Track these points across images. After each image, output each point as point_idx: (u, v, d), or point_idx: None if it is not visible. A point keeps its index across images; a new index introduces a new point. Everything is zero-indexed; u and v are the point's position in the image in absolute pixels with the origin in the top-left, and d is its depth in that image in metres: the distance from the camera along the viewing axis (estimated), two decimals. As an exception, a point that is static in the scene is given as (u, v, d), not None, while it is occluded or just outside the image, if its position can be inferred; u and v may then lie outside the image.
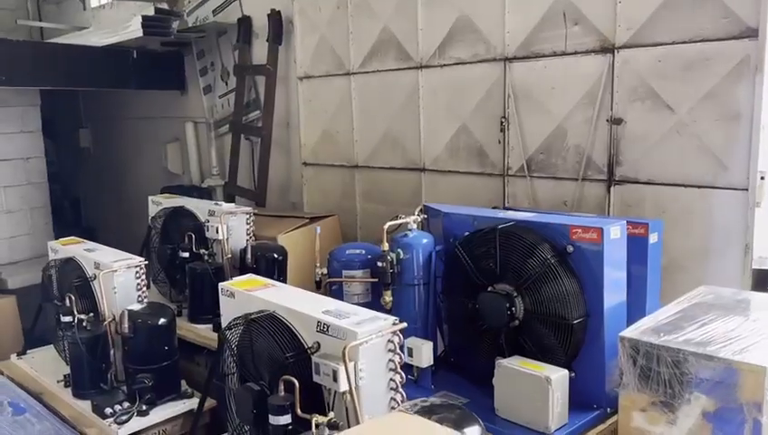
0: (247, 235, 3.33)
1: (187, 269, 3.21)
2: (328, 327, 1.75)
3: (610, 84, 2.73)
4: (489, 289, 2.04)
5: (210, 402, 2.71)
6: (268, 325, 1.88)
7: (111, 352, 2.75)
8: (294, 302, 1.96)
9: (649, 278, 2.31)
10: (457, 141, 3.33)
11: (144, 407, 2.55)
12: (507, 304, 1.97)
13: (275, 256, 3.10)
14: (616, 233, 1.93)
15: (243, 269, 3.16)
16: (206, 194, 5.09)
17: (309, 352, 1.78)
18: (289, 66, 4.32)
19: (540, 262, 1.94)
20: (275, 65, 4.27)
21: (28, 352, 3.23)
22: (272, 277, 2.91)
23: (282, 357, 1.81)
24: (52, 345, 3.29)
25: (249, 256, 3.04)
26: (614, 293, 1.96)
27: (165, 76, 5.30)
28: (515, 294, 2.00)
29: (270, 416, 1.70)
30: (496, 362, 1.92)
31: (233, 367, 2.09)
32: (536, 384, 1.80)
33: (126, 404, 2.57)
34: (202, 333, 3.08)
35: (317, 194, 4.22)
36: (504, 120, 3.07)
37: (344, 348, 1.61)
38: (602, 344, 1.96)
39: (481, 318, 2.05)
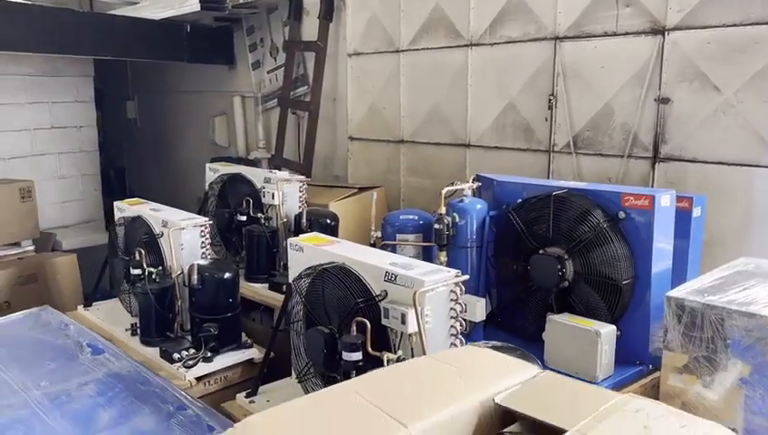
0: (300, 201, 3.50)
1: (244, 232, 3.39)
2: (396, 277, 1.91)
3: (659, 65, 2.83)
4: (541, 252, 2.18)
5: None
6: (339, 275, 2.05)
7: (178, 303, 2.96)
8: (361, 255, 2.13)
9: (691, 251, 2.43)
10: (504, 118, 3.45)
11: (209, 354, 2.75)
12: (558, 266, 2.11)
13: (328, 220, 3.27)
14: (666, 201, 2.06)
15: (297, 232, 3.34)
16: (252, 165, 5.28)
17: (377, 299, 1.95)
18: (338, 43, 4.46)
19: (592, 227, 2.08)
20: (326, 42, 4.42)
21: (94, 304, 3.47)
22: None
23: (352, 303, 1.98)
24: (113, 299, 3.54)
25: (305, 220, 3.22)
26: (661, 258, 2.09)
27: (215, 51, 5.48)
28: (566, 256, 2.14)
29: (343, 353, 1.87)
30: (548, 318, 2.07)
31: (301, 313, 2.28)
32: (586, 337, 1.95)
33: (192, 351, 2.77)
34: (258, 291, 3.27)
35: (362, 167, 4.37)
36: (552, 97, 3.19)
37: (415, 293, 1.77)
38: (648, 307, 2.09)
39: (532, 279, 2.19)
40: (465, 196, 2.43)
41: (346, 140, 4.47)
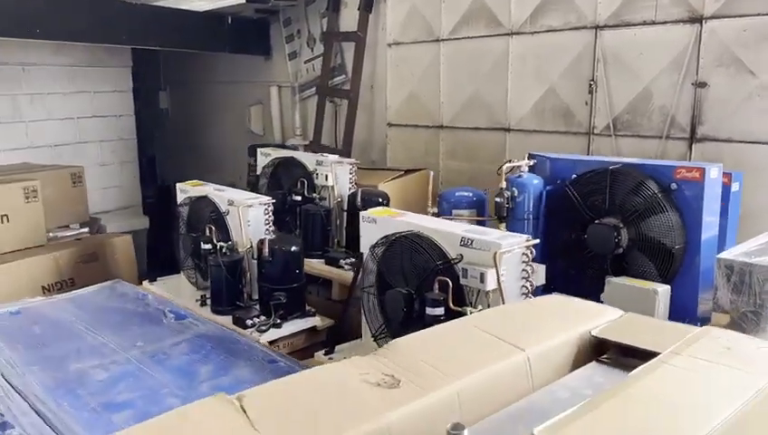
0: (350, 183, 3.71)
1: (300, 211, 3.61)
2: (472, 241, 2.12)
3: (697, 51, 3.03)
4: (596, 222, 2.39)
5: (327, 322, 3.13)
6: (416, 241, 2.26)
7: (247, 274, 3.18)
8: (434, 224, 2.34)
9: (729, 224, 2.63)
10: (544, 103, 3.65)
11: (278, 320, 2.97)
12: (615, 234, 2.32)
13: (380, 199, 3.47)
14: (714, 174, 2.26)
15: (351, 211, 3.56)
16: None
17: (453, 261, 2.16)
18: (377, 33, 4.66)
19: (647, 197, 2.28)
20: (365, 32, 4.62)
21: (158, 278, 3.69)
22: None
23: (430, 266, 2.19)
24: (175, 275, 3.76)
25: (359, 199, 3.43)
26: (709, 227, 2.30)
27: (253, 42, 5.69)
28: (621, 225, 2.34)
29: (427, 308, 2.08)
30: (607, 280, 2.28)
31: (374, 278, 2.49)
32: (645, 296, 2.16)
33: (262, 318, 2.99)
34: (315, 265, 3.48)
35: (400, 152, 4.58)
36: (592, 82, 3.39)
37: (495, 253, 1.98)
38: (697, 271, 2.30)
39: (589, 247, 2.40)
40: (522, 172, 2.63)
41: (384, 126, 4.67)
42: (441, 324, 1.55)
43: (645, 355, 1.34)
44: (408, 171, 3.90)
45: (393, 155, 4.61)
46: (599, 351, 1.46)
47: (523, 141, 3.76)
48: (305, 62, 5.39)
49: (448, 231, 2.21)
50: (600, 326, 1.47)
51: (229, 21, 5.27)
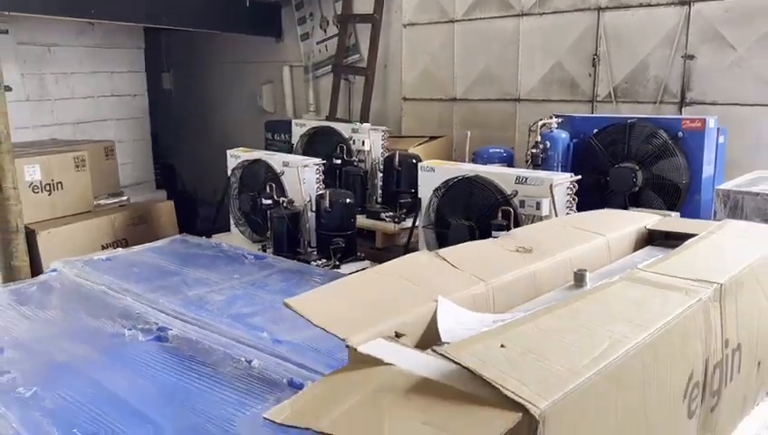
0: (383, 148, 4.18)
1: (342, 172, 4.06)
2: (526, 179, 2.63)
3: (686, 29, 3.60)
4: (616, 166, 2.93)
5: (375, 265, 3.61)
6: (477, 182, 2.76)
7: (307, 225, 3.63)
8: (487, 169, 2.84)
9: (717, 170, 3.21)
10: (551, 75, 4.19)
11: (337, 263, 3.44)
12: (632, 175, 2.87)
13: (413, 160, 3.95)
14: (712, 124, 2.83)
15: (386, 172, 4.04)
16: (303, 127, 5.92)
17: (510, 196, 2.67)
18: (390, 14, 5.12)
19: (658, 144, 2.83)
20: (381, 14, 5.07)
21: (213, 236, 4.10)
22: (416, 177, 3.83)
23: (491, 201, 2.69)
24: (224, 233, 4.17)
25: (397, 160, 3.90)
26: (708, 165, 2.86)
27: (264, 24, 6.07)
28: (637, 168, 2.89)
29: (493, 232, 2.58)
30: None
31: (434, 217, 2.98)
32: (661, 220, 2.71)
33: (323, 260, 3.45)
34: (359, 220, 3.94)
35: (413, 123, 5.07)
36: (595, 57, 3.93)
37: (551, 185, 2.50)
38: (698, 204, 2.86)
39: (610, 186, 2.94)
40: (552, 128, 3.16)
41: (397, 100, 5.15)
42: (538, 223, 2.05)
43: (686, 238, 1.86)
44: (431, 138, 4.39)
45: (408, 126, 5.09)
46: (649, 241, 1.98)
47: (532, 110, 4.28)
48: (317, 43, 5.81)
49: (504, 172, 2.72)
50: (651, 223, 1.99)
51: (247, 4, 5.63)
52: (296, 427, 0.96)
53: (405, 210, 3.90)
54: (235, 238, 3.98)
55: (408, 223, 3.86)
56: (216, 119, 7.16)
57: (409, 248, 3.41)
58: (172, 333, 2.28)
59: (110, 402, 1.81)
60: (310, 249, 3.62)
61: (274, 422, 0.99)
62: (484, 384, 0.93)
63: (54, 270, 3.06)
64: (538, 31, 4.20)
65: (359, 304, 1.31)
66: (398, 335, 1.20)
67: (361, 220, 3.95)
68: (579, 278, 1.53)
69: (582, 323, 1.18)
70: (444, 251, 1.57)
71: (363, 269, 3.56)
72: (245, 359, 2.06)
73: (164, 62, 7.61)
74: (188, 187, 7.87)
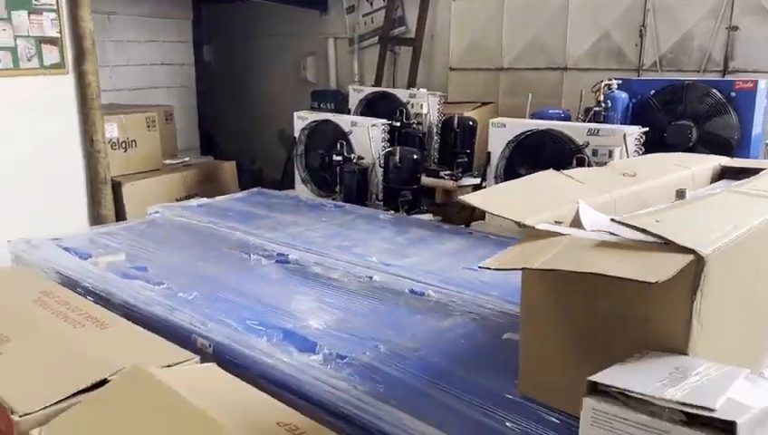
0: (438, 112, 4.46)
1: (402, 134, 4.35)
2: (598, 130, 2.92)
3: (731, 2, 3.87)
4: (673, 123, 3.23)
5: (436, 217, 3.91)
6: (549, 134, 3.05)
7: (376, 180, 3.93)
8: (556, 123, 3.13)
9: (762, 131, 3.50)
10: (598, 45, 4.46)
11: (404, 214, 3.74)
12: (688, 132, 3.16)
13: (470, 123, 4.26)
14: (763, 85, 3.11)
15: (443, 133, 4.34)
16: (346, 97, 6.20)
17: (581, 147, 2.96)
18: (438, -14, 5.39)
19: (713, 103, 3.12)
20: (429, -14, 5.33)
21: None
22: (472, 139, 4.14)
23: (565, 150, 2.99)
24: (288, 191, 4.46)
25: (456, 122, 4.20)
26: (758, 124, 3.16)
27: (311, -2, 6.34)
28: (692, 125, 3.19)
29: (569, 178, 2.87)
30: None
31: (503, 168, 3.28)
32: (716, 170, 3.01)
33: (393, 212, 3.75)
34: (419, 177, 4.24)
35: (459, 92, 5.34)
36: (642, 28, 4.21)
37: (624, 134, 2.79)
38: (747, 157, 3.15)
39: (668, 142, 3.24)
40: (613, 88, 3.45)
41: (443, 70, 5.43)
42: (627, 159, 2.34)
43: (755, 172, 2.16)
44: (482, 103, 4.68)
45: (453, 95, 5.37)
46: (723, 176, 2.28)
47: (579, 78, 4.56)
48: (363, 16, 6.07)
49: (575, 126, 3.01)
50: (723, 162, 2.29)
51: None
52: (511, 269, 1.27)
53: (461, 169, 4.20)
54: (300, 195, 4.28)
55: (465, 181, 4.18)
56: (257, 91, 7.42)
57: (452, 214, 3.71)
58: (292, 258, 2.59)
59: (264, 305, 2.11)
60: (377, 202, 3.92)
61: (489, 268, 1.29)
62: (656, 242, 1.22)
63: (157, 212, 3.36)
64: (586, 3, 4.47)
65: (514, 201, 1.61)
66: (557, 223, 1.50)
67: (422, 178, 4.25)
68: (680, 195, 1.82)
69: (708, 212, 1.48)
70: (566, 172, 1.87)
71: (428, 220, 3.91)
72: (366, 276, 2.36)
73: (204, 35, 7.85)
74: (227, 157, 8.15)
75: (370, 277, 2.34)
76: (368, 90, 4.74)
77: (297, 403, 1.51)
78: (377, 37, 5.88)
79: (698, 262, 1.17)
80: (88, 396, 1.46)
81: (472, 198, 1.56)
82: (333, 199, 4.00)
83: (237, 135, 7.73)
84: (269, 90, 7.26)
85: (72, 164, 3.82)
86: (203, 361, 1.62)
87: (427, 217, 3.86)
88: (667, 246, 1.21)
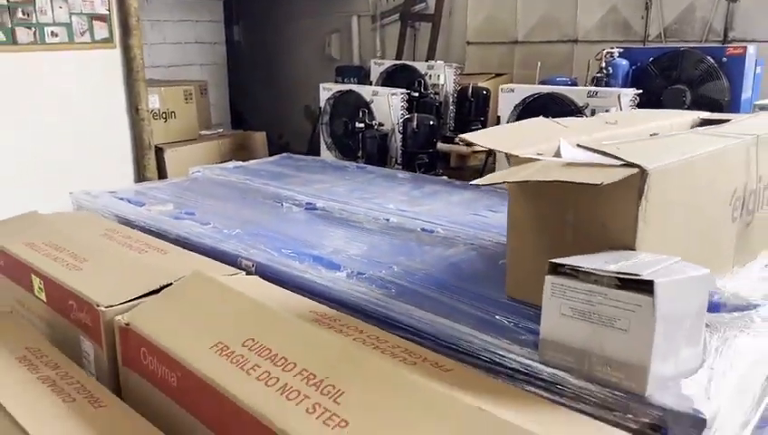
0: (455, 82, 4.76)
1: (420, 103, 4.66)
2: (596, 93, 3.20)
3: (731, -25, 4.10)
4: (669, 88, 3.49)
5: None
6: (554, 97, 3.34)
7: (395, 145, 4.26)
8: (560, 87, 3.42)
9: (753, 96, 3.74)
10: (606, 18, 4.71)
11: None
12: (683, 95, 3.42)
13: (484, 92, 4.55)
14: (752, 50, 3.36)
15: (459, 101, 4.64)
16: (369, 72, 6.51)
17: (582, 108, 3.25)
18: (456, -34, 5.65)
19: (705, 68, 3.38)
20: (447, -35, 5.60)
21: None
22: (485, 107, 4.42)
23: (565, 112, 3.27)
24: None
25: (470, 91, 4.50)
26: (748, 88, 3.40)
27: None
28: (687, 89, 3.45)
29: (568, 136, 3.17)
30: (678, 123, 3.39)
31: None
32: (706, 129, 3.28)
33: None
34: (435, 143, 4.56)
35: (476, 64, 5.63)
36: (648, 1, 4.44)
37: (618, 96, 3.07)
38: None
39: (664, 105, 3.50)
40: (614, 56, 3.71)
41: (460, 44, 5.71)
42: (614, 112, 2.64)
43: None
44: (496, 75, 4.96)
45: (470, 68, 5.65)
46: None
47: (588, 50, 4.81)
48: (386, -6, 6.36)
49: (576, 89, 3.30)
50: (704, 115, 2.57)
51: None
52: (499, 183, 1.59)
53: (476, 136, 4.49)
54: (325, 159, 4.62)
55: (477, 147, 4.47)
56: (283, 68, 7.77)
57: (487, 168, 4.03)
58: (319, 205, 2.94)
59: (296, 240, 2.46)
60: (396, 165, 4.25)
61: (480, 185, 1.62)
62: (612, 162, 1.53)
63: (198, 171, 3.74)
64: (595, -22, 4.72)
65: (506, 139, 1.92)
66: (539, 155, 1.81)
67: (437, 144, 4.56)
68: (653, 136, 2.12)
69: (667, 144, 1.78)
70: (556, 119, 2.17)
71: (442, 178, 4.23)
72: (384, 218, 2.70)
73: (234, 15, 8.20)
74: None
75: (387, 219, 2.68)
76: (388, 62, 5.05)
77: (326, 304, 1.86)
78: (398, 14, 6.17)
79: (642, 174, 1.48)
80: (159, 294, 1.82)
81: (471, 136, 1.87)
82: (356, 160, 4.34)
83: (265, 111, 8.10)
84: (295, 67, 7.60)
85: (119, 131, 4.21)
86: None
87: (442, 179, 4.18)
88: (621, 164, 1.53)
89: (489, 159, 3.94)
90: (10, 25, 3.53)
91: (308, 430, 1.19)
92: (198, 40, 6.86)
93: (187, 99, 5.11)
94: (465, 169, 4.32)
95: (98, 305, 1.80)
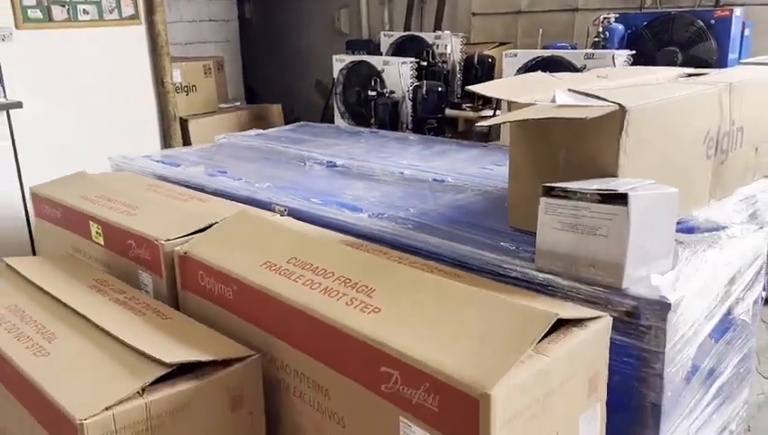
0: (461, 51, 5.00)
1: (428, 71, 4.91)
2: (593, 54, 3.45)
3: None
4: (662, 50, 3.73)
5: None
6: (554, 60, 3.59)
7: (406, 111, 4.52)
8: (559, 51, 3.66)
9: (741, 58, 3.97)
10: (606, -10, 4.93)
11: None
12: (674, 56, 3.66)
13: (489, 60, 4.79)
14: (738, 12, 3.58)
15: (466, 68, 4.88)
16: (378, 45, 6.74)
17: (579, 69, 3.50)
18: (460, -61, 5.85)
19: (695, 30, 3.61)
20: (452, -61, 5.80)
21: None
22: (491, 74, 4.67)
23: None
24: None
25: (476, 59, 4.74)
26: (735, 48, 3.63)
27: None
28: (678, 51, 3.68)
29: (567, 95, 3.43)
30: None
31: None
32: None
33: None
34: (443, 109, 4.82)
35: (481, 34, 5.85)
36: (646, -29, 4.66)
37: (612, 55, 3.32)
38: (725, 77, 3.64)
39: (657, 64, 3.74)
40: (611, 21, 3.95)
41: (465, 15, 5.93)
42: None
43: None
44: (500, 43, 5.20)
45: (475, 38, 5.88)
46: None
47: (589, 18, 5.02)
48: (392, -31, 6.56)
49: (574, 52, 3.54)
50: (690, 71, 2.82)
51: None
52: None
53: (481, 101, 4.74)
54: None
55: (484, 112, 4.73)
56: (294, 44, 7.99)
57: (492, 131, 4.29)
58: (339, 163, 3.21)
59: (320, 192, 2.75)
60: (407, 130, 4.52)
61: (483, 126, 1.89)
62: (598, 103, 1.80)
63: (224, 138, 4.02)
64: (595, -52, 4.92)
65: (507, 89, 2.19)
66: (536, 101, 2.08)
67: (446, 110, 4.82)
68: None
69: (647, 90, 2.04)
70: (552, 74, 2.43)
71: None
72: (398, 172, 2.98)
73: (244, -7, 8.42)
74: (267, 107, 8.79)
75: (402, 173, 2.96)
76: (397, 34, 5.29)
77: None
78: (405, -13, 6.38)
79: (623, 112, 1.74)
80: (209, 229, 2.11)
81: (477, 88, 2.14)
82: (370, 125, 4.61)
83: (277, 86, 8.34)
84: (305, 42, 7.83)
85: (146, 103, 4.49)
86: (284, 213, 2.26)
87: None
88: (604, 104, 1.80)
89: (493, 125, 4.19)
90: (46, 4, 3.79)
91: (348, 317, 1.48)
92: (212, 18, 7.10)
93: (206, 73, 5.38)
94: (472, 134, 4.58)
95: (157, 241, 2.09)
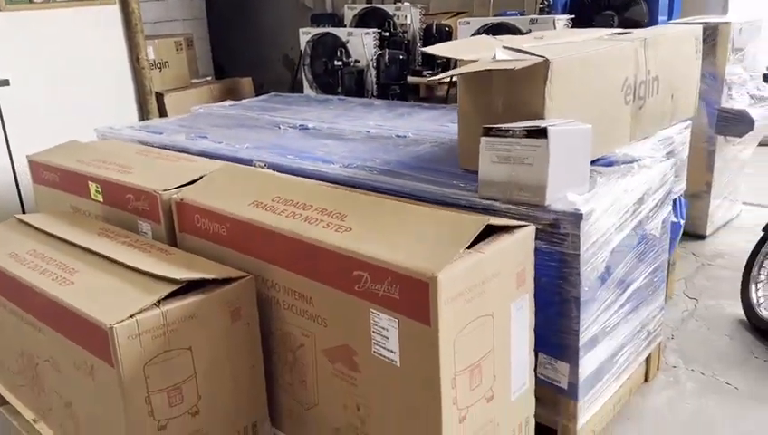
0: (421, 21, 5.30)
1: (390, 41, 5.21)
2: (537, 20, 3.79)
3: None
4: (599, 14, 4.09)
5: (421, 109, 4.83)
6: (502, 26, 3.92)
7: (370, 79, 4.83)
8: (507, 18, 4.01)
9: (668, 20, 4.36)
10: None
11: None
12: (611, 20, 4.03)
13: (447, 29, 5.11)
14: (667, -22, 3.96)
15: (426, 37, 5.19)
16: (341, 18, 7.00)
17: (524, 33, 3.84)
18: None
19: (629, -5, 3.99)
20: None
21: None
22: (448, 39, 4.98)
23: (512, 38, 3.87)
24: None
25: (434, 28, 5.05)
26: (664, 11, 4.01)
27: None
28: (614, 14, 4.05)
29: (515, 58, 3.78)
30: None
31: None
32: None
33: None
34: (405, 76, 5.14)
35: (440, 5, 6.15)
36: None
37: (553, 20, 3.67)
38: (657, 37, 4.03)
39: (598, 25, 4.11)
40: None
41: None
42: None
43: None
44: (457, 13, 5.52)
45: (434, 9, 6.18)
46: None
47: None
48: (355, -57, 6.79)
49: (521, 18, 3.89)
50: (616, 31, 3.18)
51: None
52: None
53: (440, 68, 5.07)
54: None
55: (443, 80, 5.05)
56: (260, 19, 8.19)
57: (449, 97, 4.63)
58: (311, 126, 3.53)
59: (295, 150, 3.06)
60: (372, 97, 4.83)
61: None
62: (527, 57, 2.15)
63: (200, 109, 4.29)
64: None
65: (455, 49, 2.52)
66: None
67: (408, 78, 5.13)
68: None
69: (571, 46, 2.40)
70: (495, 36, 2.77)
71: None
72: (365, 130, 3.31)
73: (208, -30, 8.55)
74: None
75: (368, 132, 3.29)
76: (360, 6, 5.56)
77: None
78: (366, -38, 6.63)
79: (546, 63, 2.10)
80: (199, 180, 2.42)
81: (431, 49, 2.48)
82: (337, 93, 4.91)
83: (245, 62, 8.52)
84: (271, 18, 8.04)
85: (123, 79, 4.72)
86: (265, 162, 2.58)
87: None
88: (533, 57, 2.15)
89: (451, 90, 4.53)
90: (25, -14, 3.99)
91: (326, 236, 1.82)
92: (179, -5, 7.28)
93: (177, 50, 5.60)
94: (433, 99, 4.90)
95: (155, 191, 2.40)
